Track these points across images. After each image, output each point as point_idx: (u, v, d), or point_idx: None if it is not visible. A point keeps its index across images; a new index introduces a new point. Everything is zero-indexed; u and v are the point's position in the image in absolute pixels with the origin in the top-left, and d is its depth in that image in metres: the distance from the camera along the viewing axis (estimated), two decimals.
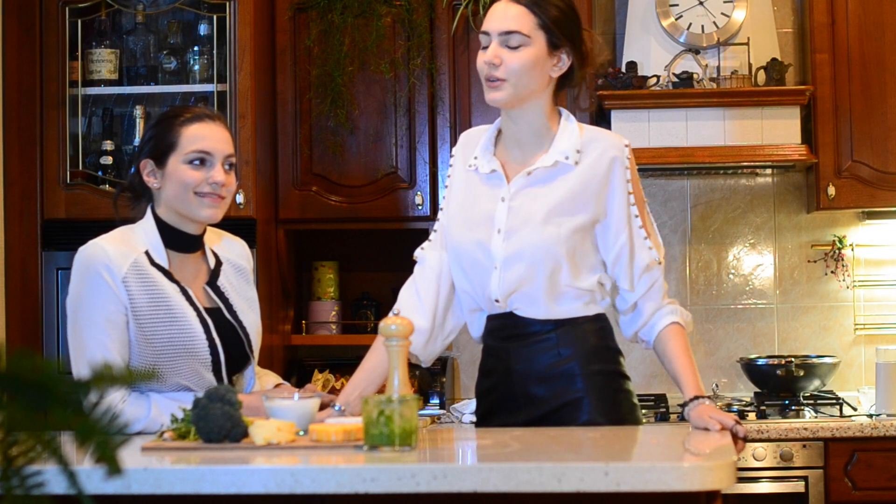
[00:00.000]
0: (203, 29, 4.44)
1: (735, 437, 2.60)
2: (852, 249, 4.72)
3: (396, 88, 4.55)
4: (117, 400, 2.70)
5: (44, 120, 4.37)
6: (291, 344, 4.69)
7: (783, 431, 4.12)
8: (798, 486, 4.12)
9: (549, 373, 2.82)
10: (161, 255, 2.84)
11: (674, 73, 4.47)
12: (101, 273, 2.75)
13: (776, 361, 4.48)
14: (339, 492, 2.10)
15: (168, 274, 2.83)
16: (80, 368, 2.77)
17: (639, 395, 2.96)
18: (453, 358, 4.79)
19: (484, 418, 2.94)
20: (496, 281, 2.82)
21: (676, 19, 4.55)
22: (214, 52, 4.41)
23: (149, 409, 2.73)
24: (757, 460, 4.13)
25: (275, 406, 2.49)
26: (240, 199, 4.25)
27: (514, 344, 2.85)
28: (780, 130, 4.40)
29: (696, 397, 2.74)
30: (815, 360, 4.48)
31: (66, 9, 4.39)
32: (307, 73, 4.55)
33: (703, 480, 2.09)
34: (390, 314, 2.48)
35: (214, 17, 4.40)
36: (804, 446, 4.13)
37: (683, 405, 2.78)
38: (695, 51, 4.51)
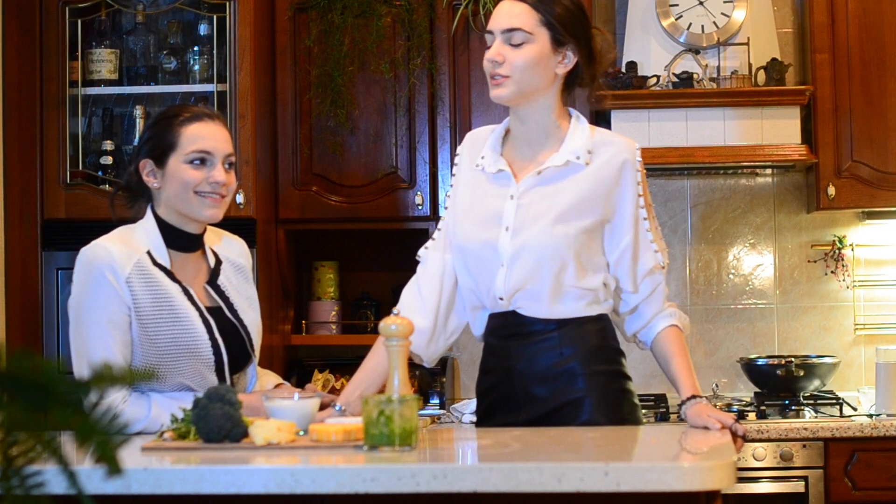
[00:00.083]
0: (203, 29, 4.44)
1: (734, 435, 2.61)
2: (852, 249, 4.72)
3: (396, 88, 4.55)
4: (118, 400, 2.70)
5: (44, 120, 4.37)
6: (291, 344, 4.69)
7: (783, 431, 4.12)
8: (798, 486, 4.12)
9: (550, 372, 2.82)
10: (163, 255, 2.84)
11: (674, 73, 4.47)
12: (104, 274, 2.75)
13: (776, 361, 4.48)
14: (339, 492, 2.10)
15: (170, 274, 2.83)
16: (82, 369, 2.77)
17: (639, 395, 2.96)
18: (453, 358, 4.79)
19: (484, 417, 2.95)
20: (502, 278, 2.82)
21: (676, 19, 4.55)
22: (214, 52, 4.41)
23: (149, 409, 2.73)
24: (757, 460, 4.13)
25: (275, 406, 2.50)
26: (240, 199, 4.25)
27: (516, 343, 2.85)
28: (780, 130, 4.40)
29: (693, 396, 2.76)
30: (815, 360, 4.48)
31: (66, 9, 4.39)
32: (307, 73, 4.55)
33: (703, 480, 2.10)
34: (391, 314, 2.48)
35: (214, 17, 4.40)
36: (804, 446, 4.13)
37: (680, 405, 2.79)
38: (695, 51, 4.51)
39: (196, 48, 4.44)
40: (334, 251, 4.86)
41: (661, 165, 4.46)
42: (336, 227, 4.67)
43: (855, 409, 4.33)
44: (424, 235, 4.50)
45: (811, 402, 4.39)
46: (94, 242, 2.81)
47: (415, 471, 2.10)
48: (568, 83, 2.88)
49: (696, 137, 4.41)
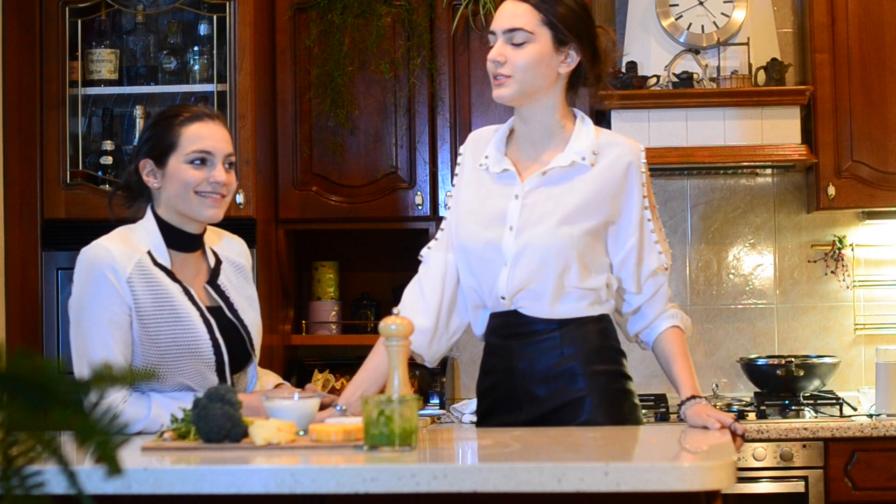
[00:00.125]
0: (203, 29, 4.44)
1: (734, 434, 2.61)
2: (852, 249, 4.72)
3: (396, 88, 4.55)
4: (118, 400, 2.70)
5: (44, 120, 4.37)
6: (291, 344, 4.69)
7: (783, 431, 4.12)
8: (798, 486, 4.12)
9: (551, 372, 2.82)
10: (163, 255, 2.84)
11: (674, 73, 4.47)
12: (105, 274, 2.75)
13: (776, 361, 4.48)
14: (339, 492, 2.10)
15: (170, 274, 2.83)
16: (83, 369, 2.77)
17: (639, 395, 2.97)
18: (453, 358, 4.79)
19: (485, 417, 2.95)
20: (504, 278, 2.83)
21: (676, 19, 4.55)
22: (214, 52, 4.41)
23: (149, 408, 2.73)
24: (757, 460, 4.13)
25: (275, 406, 2.49)
26: (240, 199, 4.25)
27: (517, 342, 2.85)
28: (780, 130, 4.40)
29: (693, 397, 2.77)
30: (815, 360, 4.48)
31: (66, 9, 4.39)
32: (307, 73, 4.55)
33: (703, 480, 2.10)
34: (390, 314, 2.48)
35: (214, 17, 4.40)
36: (804, 446, 4.13)
37: (680, 405, 2.79)
38: (695, 51, 4.51)
39: (196, 48, 4.44)
40: (334, 251, 4.86)
41: (661, 165, 4.46)
42: (336, 227, 4.67)
43: (855, 409, 4.33)
44: (424, 235, 4.51)
45: (811, 402, 4.39)
46: (94, 242, 2.81)
47: (415, 471, 2.10)
48: (572, 83, 2.89)
49: (696, 137, 4.41)
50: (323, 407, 2.72)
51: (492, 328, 2.91)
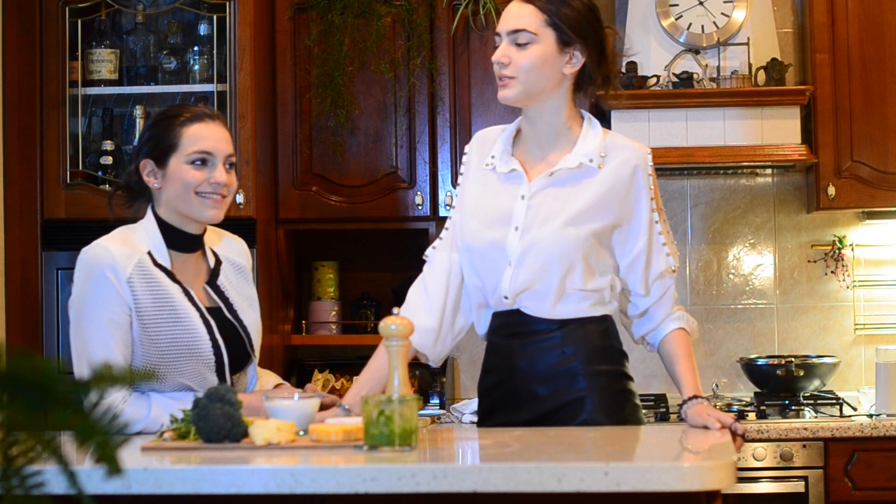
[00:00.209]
0: (203, 29, 4.44)
1: (734, 434, 2.62)
2: (852, 249, 4.72)
3: (396, 88, 4.55)
4: (118, 400, 2.70)
5: (44, 120, 4.37)
6: (291, 344, 4.69)
7: (783, 431, 4.12)
8: (798, 486, 4.12)
9: (552, 371, 2.82)
10: (163, 256, 2.84)
11: (674, 73, 4.47)
12: (105, 274, 2.75)
13: (776, 361, 4.48)
14: (339, 492, 2.10)
15: (170, 274, 2.83)
16: (83, 369, 2.77)
17: (639, 395, 2.97)
18: (453, 358, 4.79)
19: (486, 416, 2.95)
20: (508, 278, 2.83)
21: (676, 19, 4.55)
22: (214, 52, 4.41)
23: (149, 409, 2.73)
24: (757, 460, 4.13)
25: (275, 406, 2.49)
26: (240, 199, 4.25)
27: (519, 342, 2.85)
28: (780, 130, 4.40)
29: (694, 396, 2.77)
30: (815, 360, 4.48)
31: (66, 9, 4.39)
32: (307, 73, 4.55)
33: (703, 480, 2.10)
34: (391, 314, 2.48)
35: (214, 17, 4.40)
36: (804, 446, 4.13)
37: (681, 405, 2.80)
38: (695, 51, 4.51)
39: (196, 48, 4.44)
40: (334, 251, 4.86)
41: (661, 165, 4.45)
42: (336, 227, 4.67)
43: (855, 409, 4.33)
44: (424, 235, 4.51)
45: (811, 402, 4.39)
46: (94, 243, 2.81)
47: (415, 471, 2.10)
48: (579, 84, 2.89)
49: (696, 137, 4.41)
50: (323, 407, 2.72)
51: (494, 327, 2.91)
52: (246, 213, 4.29)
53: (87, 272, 2.78)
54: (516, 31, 2.81)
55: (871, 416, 4.25)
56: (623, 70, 4.50)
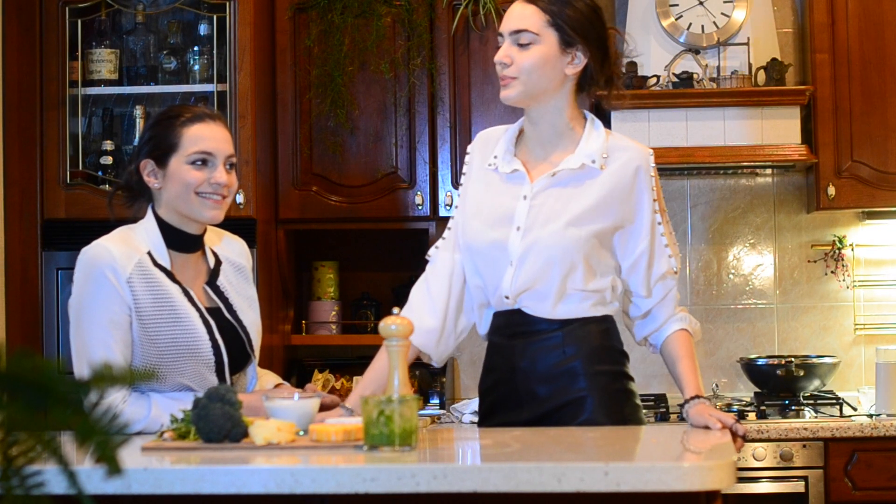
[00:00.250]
0: (203, 29, 4.44)
1: (734, 435, 2.62)
2: (852, 249, 4.72)
3: (396, 88, 4.55)
4: (118, 400, 2.70)
5: (44, 120, 4.37)
6: (291, 344, 4.69)
7: (783, 431, 4.12)
8: (798, 486, 4.12)
9: (552, 371, 2.83)
10: (163, 256, 2.84)
11: (674, 73, 4.47)
12: (105, 274, 2.75)
13: (776, 361, 4.48)
14: (339, 492, 2.10)
15: (170, 275, 2.83)
16: (83, 369, 2.77)
17: (640, 395, 2.97)
18: (454, 358, 4.79)
19: (486, 415, 2.95)
20: (509, 278, 2.83)
21: (676, 19, 4.55)
22: (214, 52, 4.41)
23: (149, 409, 2.73)
24: (757, 460, 4.13)
25: (275, 406, 2.49)
26: (240, 199, 4.25)
27: (520, 341, 2.85)
28: (779, 130, 4.40)
29: (696, 396, 2.77)
30: (815, 360, 4.48)
31: (66, 9, 4.39)
32: (307, 73, 4.55)
33: (703, 480, 2.10)
34: (391, 314, 2.48)
35: (214, 17, 4.40)
36: (804, 446, 4.13)
37: (682, 405, 2.80)
38: (695, 51, 4.51)
39: (196, 48, 4.44)
40: (334, 251, 4.86)
41: (661, 165, 4.42)
42: (336, 227, 4.67)
43: (855, 409, 4.33)
44: (424, 235, 4.51)
45: (811, 402, 4.39)
46: (94, 242, 2.81)
47: (415, 471, 2.10)
48: (582, 85, 2.89)
49: (696, 137, 4.41)
50: (324, 407, 2.72)
51: (495, 327, 2.91)
52: (246, 213, 4.29)
53: (86, 272, 2.78)
54: (518, 32, 2.81)
55: (871, 416, 4.25)
56: (623, 70, 4.50)
